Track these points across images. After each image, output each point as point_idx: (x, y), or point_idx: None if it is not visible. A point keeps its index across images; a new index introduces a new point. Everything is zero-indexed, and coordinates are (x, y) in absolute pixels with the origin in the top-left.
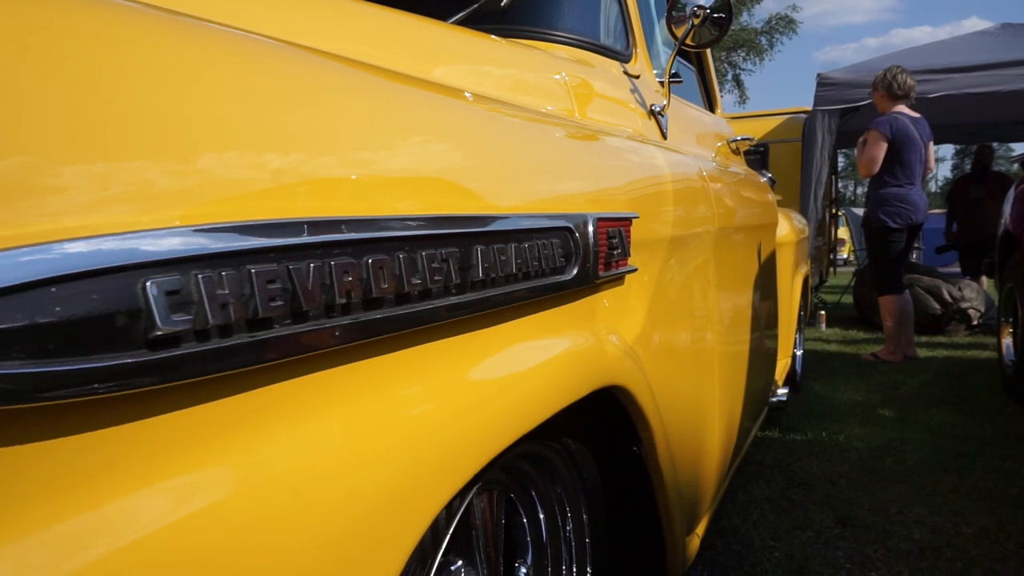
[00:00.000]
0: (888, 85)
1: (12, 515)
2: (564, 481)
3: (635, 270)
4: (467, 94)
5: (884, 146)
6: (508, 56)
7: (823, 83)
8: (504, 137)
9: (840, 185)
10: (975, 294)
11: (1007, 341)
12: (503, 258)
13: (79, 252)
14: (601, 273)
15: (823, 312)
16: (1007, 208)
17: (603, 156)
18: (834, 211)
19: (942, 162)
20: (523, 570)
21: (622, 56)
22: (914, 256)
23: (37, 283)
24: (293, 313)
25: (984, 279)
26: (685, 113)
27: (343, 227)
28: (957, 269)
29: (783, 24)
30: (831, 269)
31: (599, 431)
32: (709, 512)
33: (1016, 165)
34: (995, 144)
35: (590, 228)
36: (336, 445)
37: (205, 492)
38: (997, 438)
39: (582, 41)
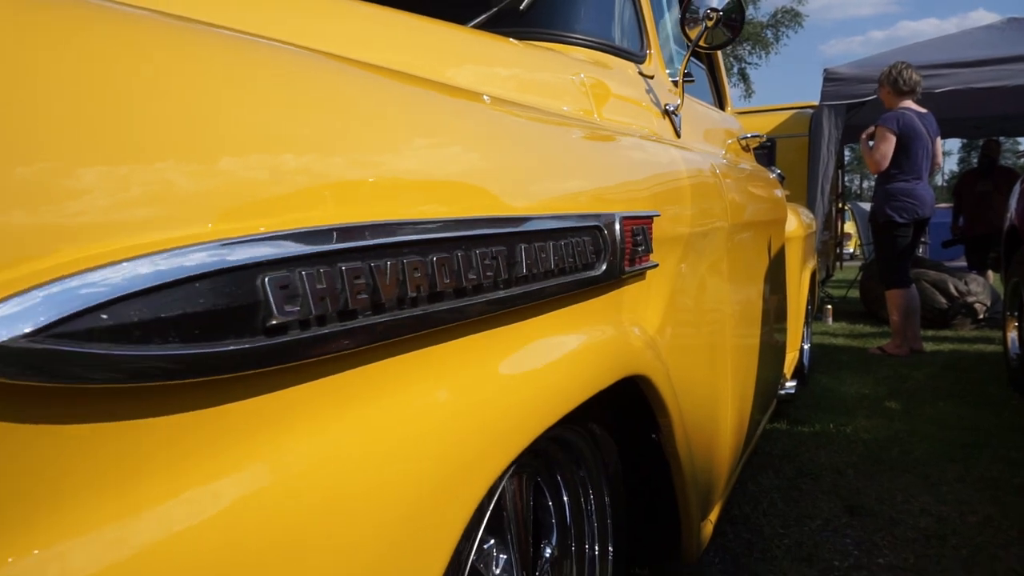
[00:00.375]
0: (894, 81)
1: (169, 468)
2: (588, 465)
3: (656, 265)
4: (496, 103)
5: (893, 141)
6: (529, 59)
7: (830, 78)
8: (538, 142)
9: (847, 179)
10: (981, 288)
11: (1012, 335)
12: (543, 255)
13: (213, 253)
14: (626, 269)
15: (830, 306)
16: (1012, 203)
17: (625, 157)
18: (840, 205)
19: (948, 156)
20: (548, 550)
21: (637, 57)
22: (920, 250)
23: (186, 279)
24: (373, 305)
25: (990, 273)
26: (697, 111)
27: (410, 229)
28: (963, 263)
29: (789, 17)
30: (837, 263)
31: (620, 419)
32: (721, 500)
33: (1023, 160)
34: (1002, 138)
35: (617, 226)
36: (400, 427)
37: (298, 465)
38: (1002, 429)
39: (598, 43)
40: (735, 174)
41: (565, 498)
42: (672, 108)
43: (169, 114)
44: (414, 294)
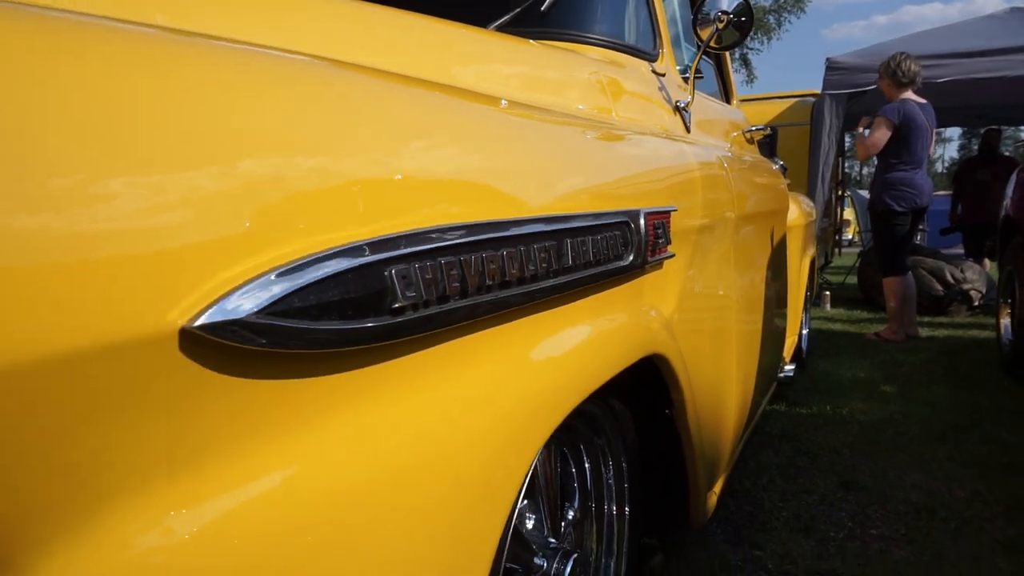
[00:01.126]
0: (893, 73)
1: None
2: (607, 436)
3: (673, 255)
4: (537, 112)
5: (888, 134)
6: (550, 60)
7: (832, 67)
8: (575, 146)
9: (847, 166)
10: (977, 276)
11: (1005, 321)
12: (584, 248)
13: (357, 252)
14: (649, 259)
15: (828, 292)
16: (1009, 192)
17: (645, 155)
18: (840, 192)
19: (949, 142)
20: (571, 512)
21: (650, 56)
22: (919, 237)
23: (341, 272)
24: (461, 291)
25: (987, 261)
26: (705, 106)
27: (486, 228)
28: (961, 251)
29: (791, 2)
30: (836, 250)
31: (637, 396)
32: (725, 473)
33: (1022, 149)
34: (1004, 127)
35: (642, 221)
36: (473, 396)
37: (409, 419)
38: (993, 412)
39: (613, 43)
40: (741, 167)
41: (587, 465)
42: (683, 104)
43: (317, 150)
44: (490, 282)
